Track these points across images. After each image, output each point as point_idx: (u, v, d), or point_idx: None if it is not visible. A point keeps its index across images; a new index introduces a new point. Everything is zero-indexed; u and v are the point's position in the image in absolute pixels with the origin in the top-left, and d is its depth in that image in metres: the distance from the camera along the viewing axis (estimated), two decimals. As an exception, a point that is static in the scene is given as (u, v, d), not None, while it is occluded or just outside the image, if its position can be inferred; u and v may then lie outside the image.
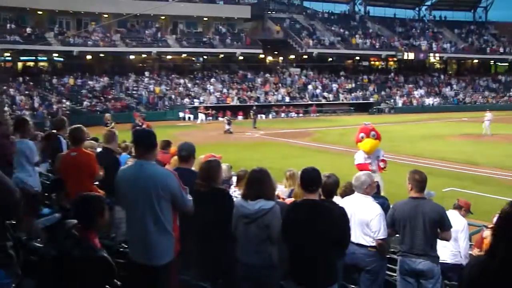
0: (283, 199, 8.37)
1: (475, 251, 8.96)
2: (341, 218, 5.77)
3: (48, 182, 12.44)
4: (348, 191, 7.96)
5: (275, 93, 64.89)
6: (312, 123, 51.29)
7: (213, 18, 68.95)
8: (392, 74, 77.88)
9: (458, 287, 3.81)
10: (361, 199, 7.41)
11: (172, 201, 5.59)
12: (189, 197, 5.79)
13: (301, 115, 61.98)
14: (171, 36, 65.86)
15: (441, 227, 7.05)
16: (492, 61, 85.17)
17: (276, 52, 75.42)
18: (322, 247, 5.64)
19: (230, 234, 6.37)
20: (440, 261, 7.31)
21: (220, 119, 54.02)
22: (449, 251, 8.27)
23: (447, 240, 7.29)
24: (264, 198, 6.18)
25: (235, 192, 8.74)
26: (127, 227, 5.89)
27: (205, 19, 68.70)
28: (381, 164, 13.62)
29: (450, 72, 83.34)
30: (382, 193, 11.20)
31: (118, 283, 5.13)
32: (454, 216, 8.42)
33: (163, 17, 66.15)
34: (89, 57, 61.85)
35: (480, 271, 3.54)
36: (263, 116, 57.72)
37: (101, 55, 62.65)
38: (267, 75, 69.47)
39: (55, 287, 4.60)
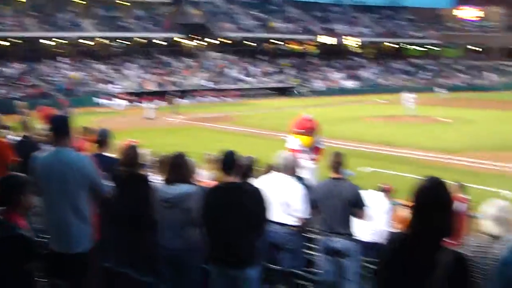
0: (204, 182, 8.38)
1: (395, 227, 9.26)
2: (258, 199, 5.81)
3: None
4: (268, 172, 8.04)
5: (196, 77, 64.56)
6: (233, 107, 51.37)
7: (131, 2, 67.87)
8: (311, 58, 78.75)
9: (378, 263, 3.93)
10: (283, 179, 7.49)
11: (90, 187, 5.53)
12: (107, 183, 5.74)
13: (221, 99, 61.85)
14: (89, 21, 64.45)
15: (356, 206, 7.22)
16: (408, 45, 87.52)
17: (196, 37, 74.91)
18: (241, 228, 5.69)
19: (151, 219, 6.35)
20: (360, 240, 7.51)
21: (140, 104, 53.32)
22: (370, 230, 8.47)
23: (362, 219, 7.46)
24: (185, 182, 6.25)
25: (156, 177, 8.70)
26: (44, 215, 5.78)
27: (123, 3, 67.54)
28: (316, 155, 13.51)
29: (368, 56, 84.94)
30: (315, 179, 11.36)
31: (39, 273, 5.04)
32: (378, 197, 8.77)
33: (80, 1, 64.59)
34: (2, 42, 59.78)
35: (398, 246, 3.67)
36: (184, 101, 57.32)
37: (15, 40, 60.53)
38: (187, 59, 69.07)
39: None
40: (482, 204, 5.10)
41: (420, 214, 3.60)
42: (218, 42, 73.36)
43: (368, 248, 8.10)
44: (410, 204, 3.70)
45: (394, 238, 3.89)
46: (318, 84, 70.21)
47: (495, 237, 4.65)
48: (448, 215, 3.64)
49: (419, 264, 3.50)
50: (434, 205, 3.57)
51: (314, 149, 13.42)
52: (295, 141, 13.50)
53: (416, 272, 3.51)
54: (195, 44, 75.94)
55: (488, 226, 4.75)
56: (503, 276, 2.81)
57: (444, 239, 3.58)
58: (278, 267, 6.89)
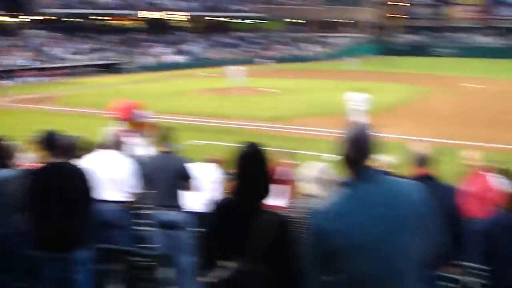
0: (27, 165, 8.06)
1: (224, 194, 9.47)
2: (82, 178, 5.74)
3: None
4: (94, 150, 7.88)
5: (17, 57, 61.43)
6: (59, 87, 49.50)
7: None
8: (139, 33, 77.81)
9: (205, 230, 4.00)
10: (110, 155, 7.41)
11: None
12: None
13: (47, 78, 59.25)
14: None
15: (183, 178, 7.34)
16: (234, 19, 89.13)
17: (16, 13, 70.95)
18: (67, 209, 5.58)
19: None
20: (192, 211, 7.60)
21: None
22: (202, 200, 8.57)
23: (190, 190, 7.57)
24: (3, 166, 6.04)
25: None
26: None
27: None
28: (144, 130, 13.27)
29: (195, 30, 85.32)
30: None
31: None
32: (208, 168, 8.91)
33: None
34: None
35: (224, 212, 3.75)
36: (7, 82, 54.44)
37: None
38: (8, 37, 65.51)
39: None
40: (301, 168, 5.32)
41: (240, 178, 3.72)
42: (41, 19, 70.03)
43: (201, 218, 8.22)
44: (234, 170, 3.79)
45: (219, 204, 3.96)
46: (146, 60, 69.57)
47: (316, 198, 4.86)
48: (266, 178, 3.77)
49: (242, 228, 3.59)
50: (252, 169, 3.72)
51: (140, 125, 13.28)
52: (119, 125, 13.30)
53: (240, 235, 3.59)
54: (16, 21, 71.96)
55: (310, 188, 4.96)
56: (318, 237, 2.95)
57: (267, 203, 3.70)
58: (111, 246, 6.79)
